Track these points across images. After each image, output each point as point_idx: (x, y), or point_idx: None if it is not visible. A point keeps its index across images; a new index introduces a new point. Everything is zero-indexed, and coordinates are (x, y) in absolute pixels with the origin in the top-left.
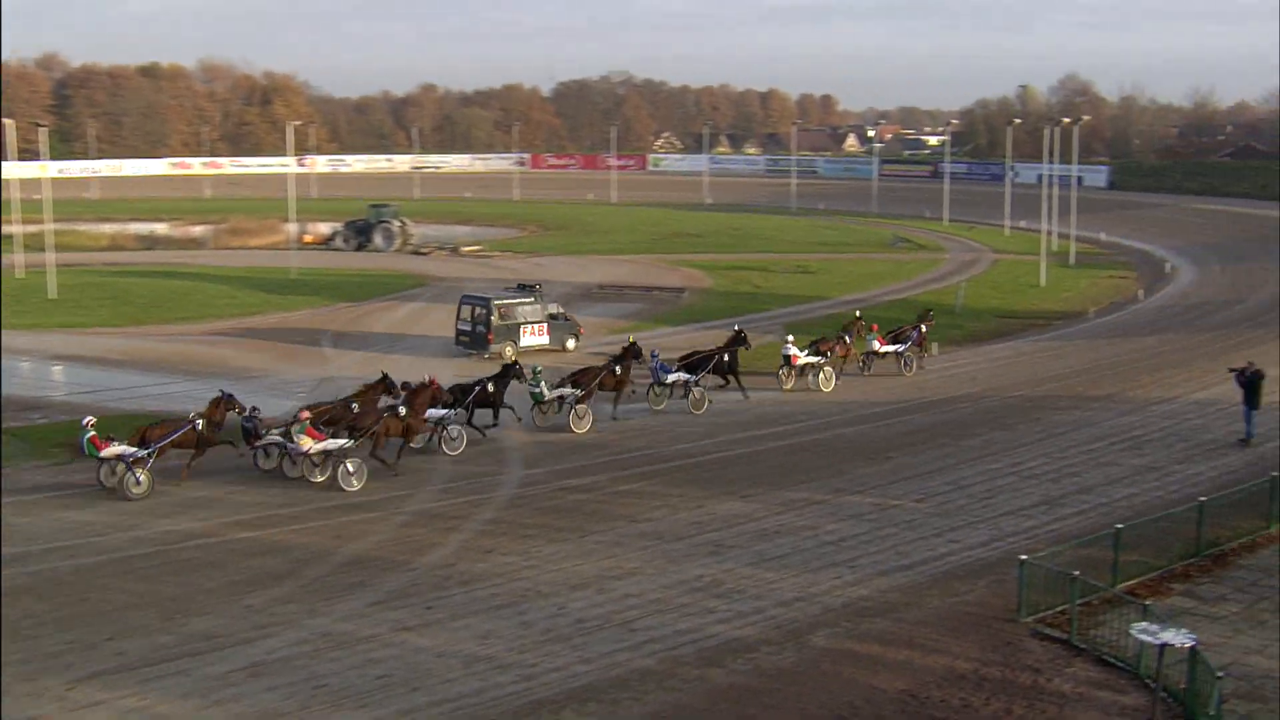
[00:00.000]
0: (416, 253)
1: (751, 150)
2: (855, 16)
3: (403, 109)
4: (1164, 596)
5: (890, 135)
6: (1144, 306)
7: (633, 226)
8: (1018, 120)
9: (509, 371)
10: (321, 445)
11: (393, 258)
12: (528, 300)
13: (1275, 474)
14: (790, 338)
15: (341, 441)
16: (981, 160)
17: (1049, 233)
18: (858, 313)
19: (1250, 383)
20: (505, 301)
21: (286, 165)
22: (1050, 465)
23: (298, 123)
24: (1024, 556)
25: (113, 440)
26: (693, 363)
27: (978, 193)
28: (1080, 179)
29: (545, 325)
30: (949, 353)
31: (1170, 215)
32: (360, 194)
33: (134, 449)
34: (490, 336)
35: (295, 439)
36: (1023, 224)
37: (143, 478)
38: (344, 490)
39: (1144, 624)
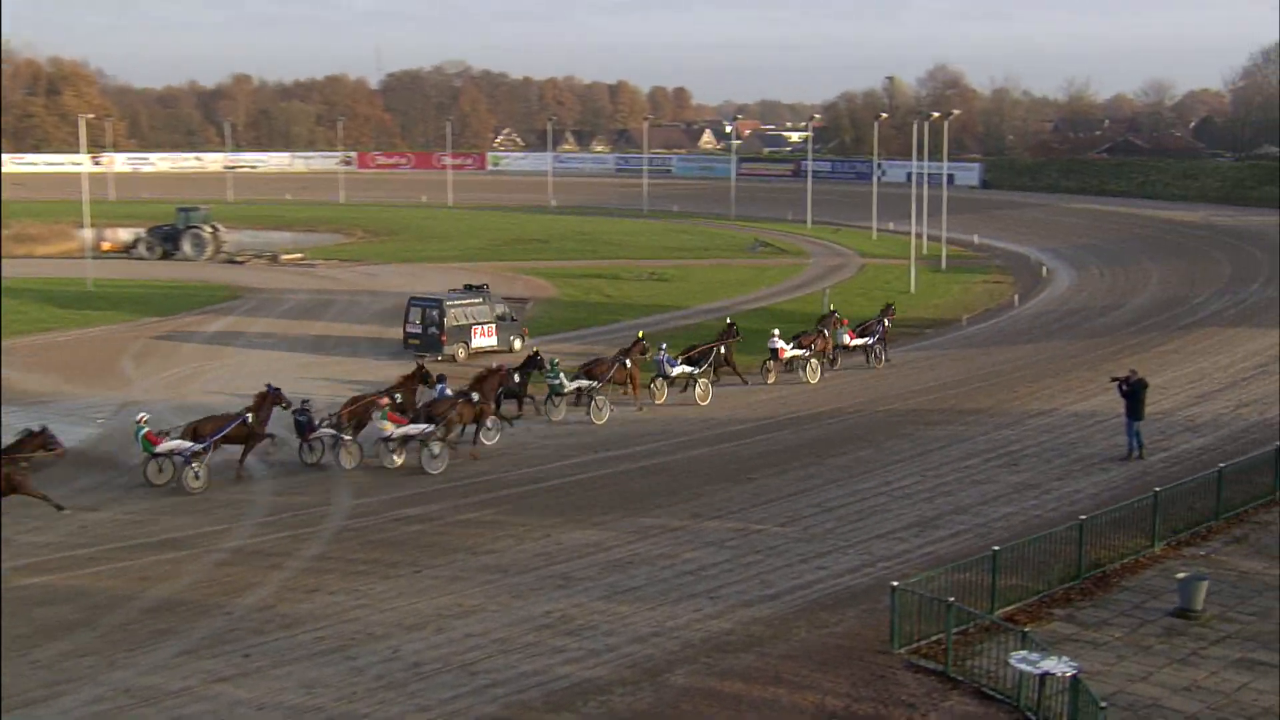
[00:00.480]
0: (230, 261)
1: (600, 148)
2: (719, 3)
3: (213, 101)
4: (1044, 622)
5: (749, 131)
6: (1020, 313)
7: (471, 232)
8: (884, 115)
9: (532, 362)
10: (403, 430)
11: (203, 267)
12: (476, 301)
13: (1158, 489)
14: (776, 331)
15: (424, 426)
16: (847, 158)
17: (919, 235)
18: (832, 307)
19: (1132, 393)
20: (457, 303)
21: (79, 164)
22: (923, 484)
23: (91, 116)
24: (896, 583)
25: (167, 435)
26: (694, 356)
27: (843, 193)
28: (951, 177)
29: (494, 326)
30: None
31: (1046, 216)
32: (166, 196)
33: (190, 444)
34: (444, 338)
35: (378, 424)
36: (891, 226)
37: (201, 472)
38: (428, 474)
39: (1023, 653)
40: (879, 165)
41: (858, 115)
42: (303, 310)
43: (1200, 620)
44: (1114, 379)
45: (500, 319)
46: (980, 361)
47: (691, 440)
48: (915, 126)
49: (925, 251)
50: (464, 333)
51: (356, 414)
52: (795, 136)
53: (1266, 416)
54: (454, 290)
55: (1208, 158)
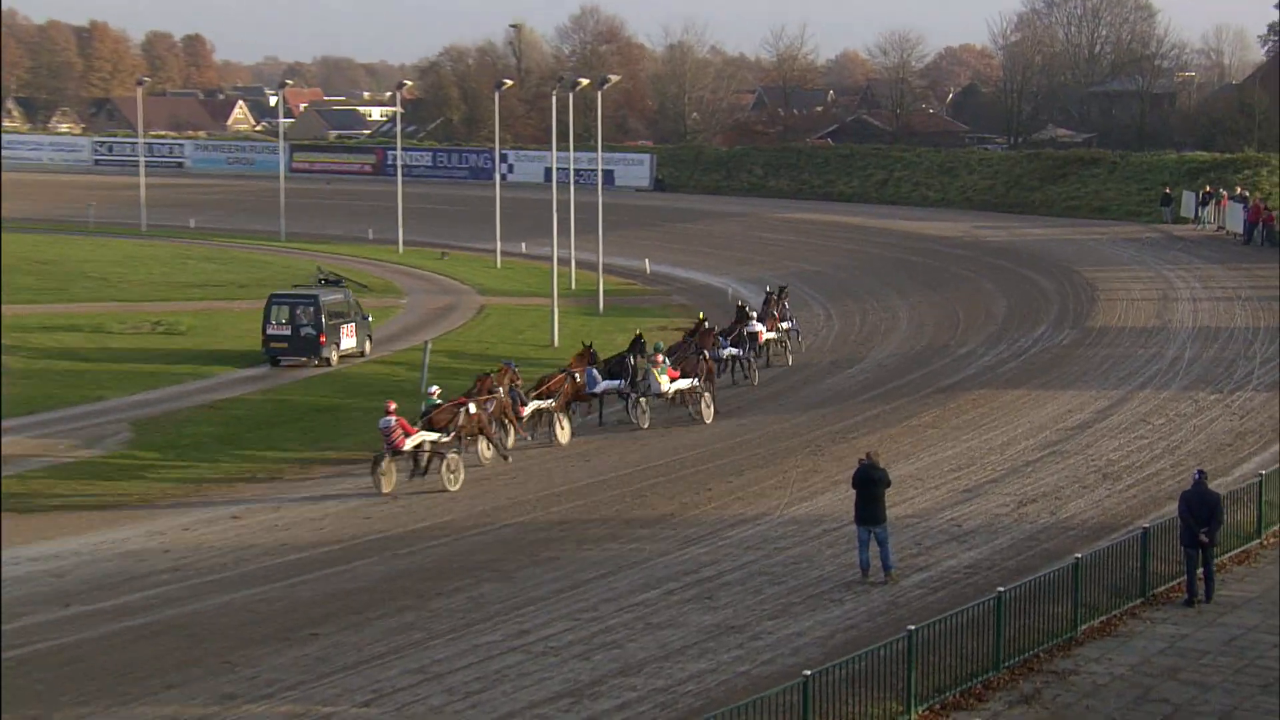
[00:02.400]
0: None
1: (66, 127)
2: None
3: None
4: None
5: (306, 105)
6: None
7: None
8: (509, 82)
9: (638, 344)
10: (676, 385)
11: None
12: (339, 296)
13: (912, 628)
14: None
15: (692, 381)
16: (456, 146)
17: (565, 263)
18: (701, 314)
19: (864, 485)
20: (333, 298)
21: None
22: (576, 633)
23: None
24: None
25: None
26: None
27: (451, 198)
28: (611, 175)
29: (355, 325)
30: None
31: (747, 229)
32: None
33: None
34: (323, 339)
35: (655, 380)
36: (524, 248)
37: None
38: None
39: None
40: (503, 158)
41: (470, 83)
42: None
43: None
44: (861, 459)
45: (362, 318)
46: (656, 446)
47: (222, 579)
48: (555, 99)
49: (574, 286)
50: (334, 333)
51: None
52: (377, 114)
53: (1060, 517)
54: (320, 283)
55: (972, 145)
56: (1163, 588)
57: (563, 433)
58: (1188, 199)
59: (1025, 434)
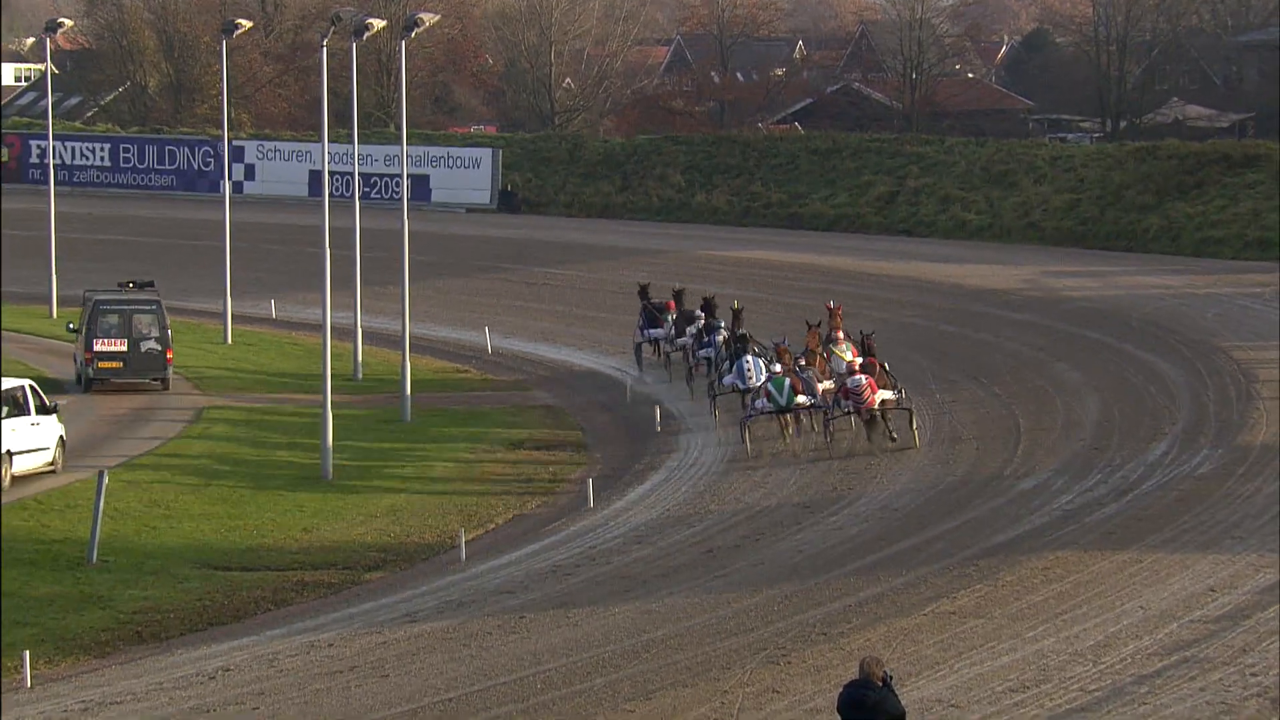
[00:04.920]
0: None
1: None
2: None
3: None
4: None
5: None
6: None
7: None
8: (245, 23)
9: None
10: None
11: None
12: (152, 304)
13: None
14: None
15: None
16: (154, 132)
17: (346, 336)
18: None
19: (855, 715)
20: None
21: None
22: None
23: None
24: None
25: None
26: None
27: (144, 224)
28: (426, 184)
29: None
30: None
31: (660, 277)
32: None
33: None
34: (170, 356)
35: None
36: (273, 309)
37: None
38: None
39: None
40: (238, 154)
41: (178, 25)
42: None
43: None
44: None
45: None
46: (507, 645)
47: None
48: (325, 53)
49: (360, 375)
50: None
51: None
52: (9, 76)
53: None
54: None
55: (1041, 133)
56: None
57: None
58: None
59: (1136, 629)
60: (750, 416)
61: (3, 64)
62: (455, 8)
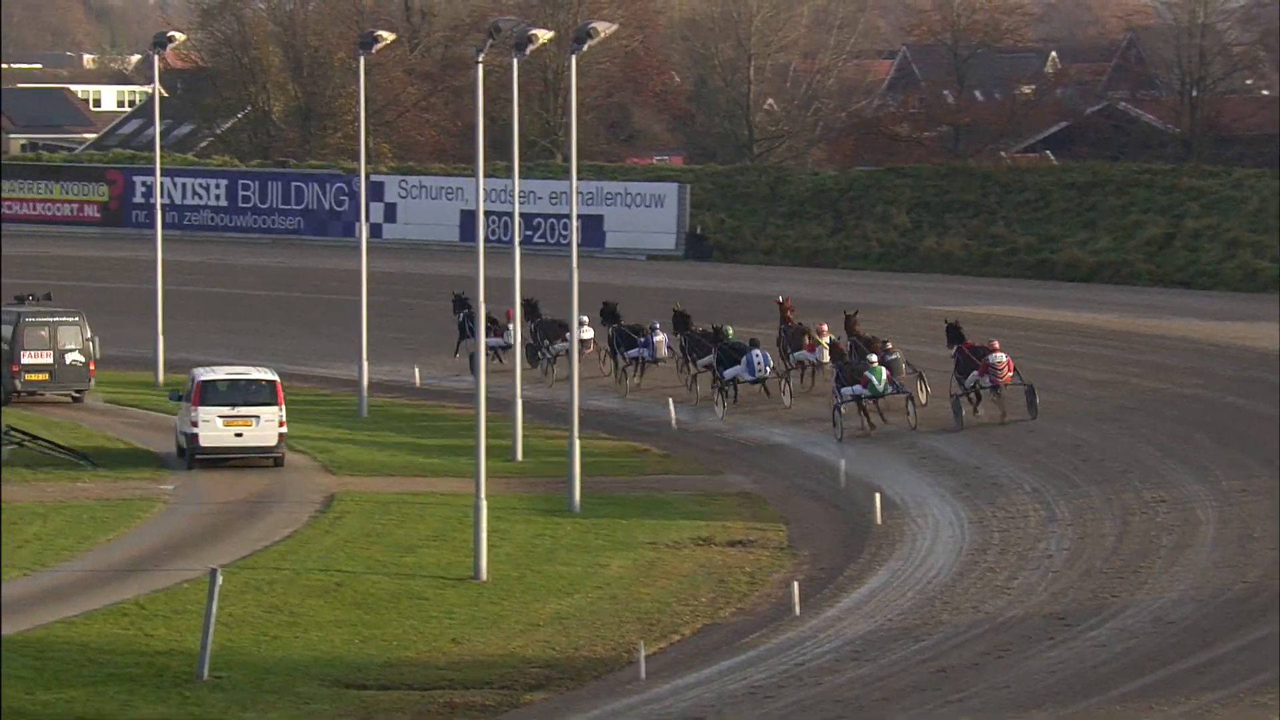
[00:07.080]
0: None
1: None
2: None
3: None
4: None
5: None
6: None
7: None
8: (386, 36)
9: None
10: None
11: None
12: (74, 319)
13: None
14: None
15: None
16: (279, 166)
17: (501, 408)
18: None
19: None
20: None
21: None
22: None
23: None
24: None
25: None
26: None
27: (264, 273)
28: (599, 225)
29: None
30: None
31: (890, 334)
32: None
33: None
34: (92, 368)
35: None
36: (417, 376)
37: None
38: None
39: None
40: (376, 191)
41: (307, 38)
42: None
43: None
44: None
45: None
46: None
47: None
48: (480, 71)
49: (520, 455)
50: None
51: None
52: (111, 99)
53: None
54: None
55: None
56: None
57: None
58: None
59: None
60: (844, 403)
61: (98, 86)
62: (635, 16)
